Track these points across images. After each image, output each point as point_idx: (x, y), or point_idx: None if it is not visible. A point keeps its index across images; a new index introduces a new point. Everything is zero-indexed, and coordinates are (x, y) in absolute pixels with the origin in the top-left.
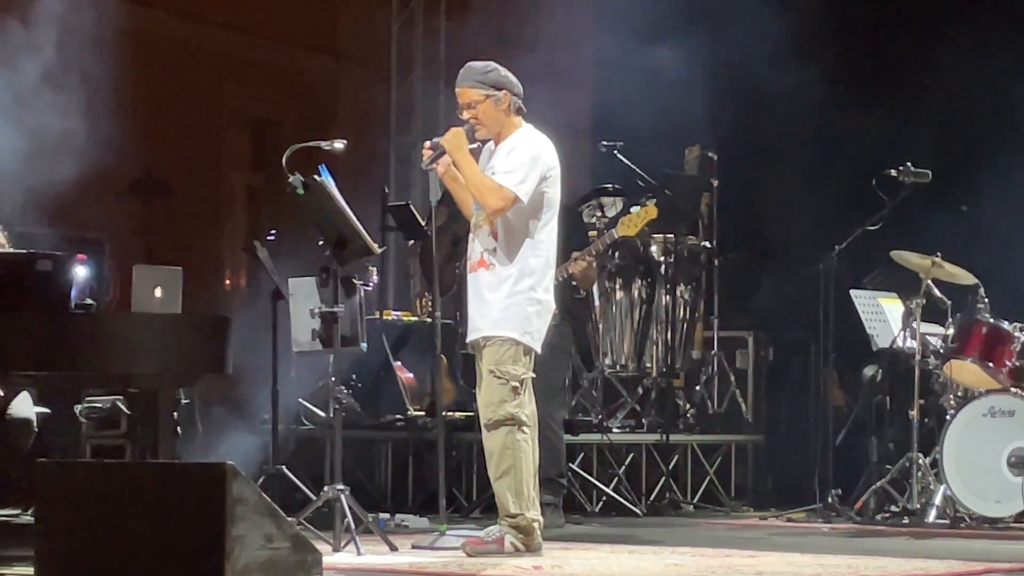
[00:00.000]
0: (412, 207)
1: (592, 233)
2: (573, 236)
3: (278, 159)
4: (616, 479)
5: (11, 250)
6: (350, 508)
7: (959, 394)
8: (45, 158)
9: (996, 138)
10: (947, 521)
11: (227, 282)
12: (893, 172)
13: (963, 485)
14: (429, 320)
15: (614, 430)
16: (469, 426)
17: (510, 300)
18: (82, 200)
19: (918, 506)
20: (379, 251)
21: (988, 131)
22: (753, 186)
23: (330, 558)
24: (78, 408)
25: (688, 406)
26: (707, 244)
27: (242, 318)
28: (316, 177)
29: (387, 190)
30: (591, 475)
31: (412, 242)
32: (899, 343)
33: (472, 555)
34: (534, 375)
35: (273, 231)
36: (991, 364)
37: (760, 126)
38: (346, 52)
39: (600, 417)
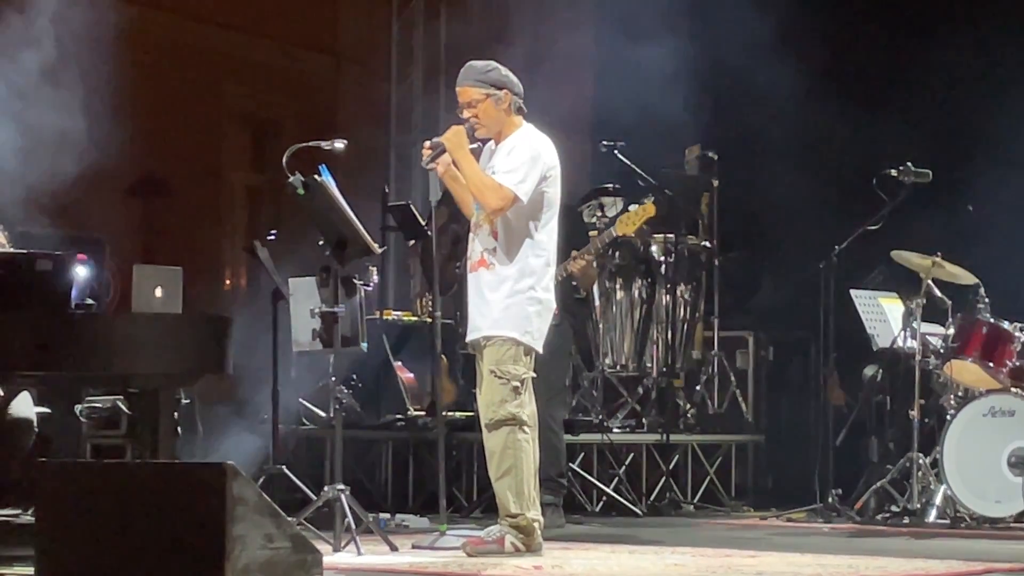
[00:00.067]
0: (412, 207)
1: (592, 233)
2: (573, 236)
3: (278, 159)
4: (616, 479)
5: (11, 250)
6: (350, 508)
7: (959, 394)
8: (45, 158)
9: (996, 138)
10: (947, 521)
11: (227, 282)
12: (893, 172)
13: (963, 485)
14: (429, 320)
15: (614, 430)
16: (469, 426)
17: (510, 300)
18: (82, 200)
19: (918, 506)
20: (379, 251)
21: (988, 131)
22: (753, 186)
23: (330, 558)
24: (78, 408)
25: (688, 406)
26: (707, 244)
27: (242, 318)
28: (316, 177)
29: (387, 190)
30: (591, 475)
31: (412, 242)
32: (899, 343)
33: (472, 555)
34: (534, 375)
35: (273, 231)
36: (991, 364)
37: (761, 126)
38: (346, 52)
39: (600, 417)
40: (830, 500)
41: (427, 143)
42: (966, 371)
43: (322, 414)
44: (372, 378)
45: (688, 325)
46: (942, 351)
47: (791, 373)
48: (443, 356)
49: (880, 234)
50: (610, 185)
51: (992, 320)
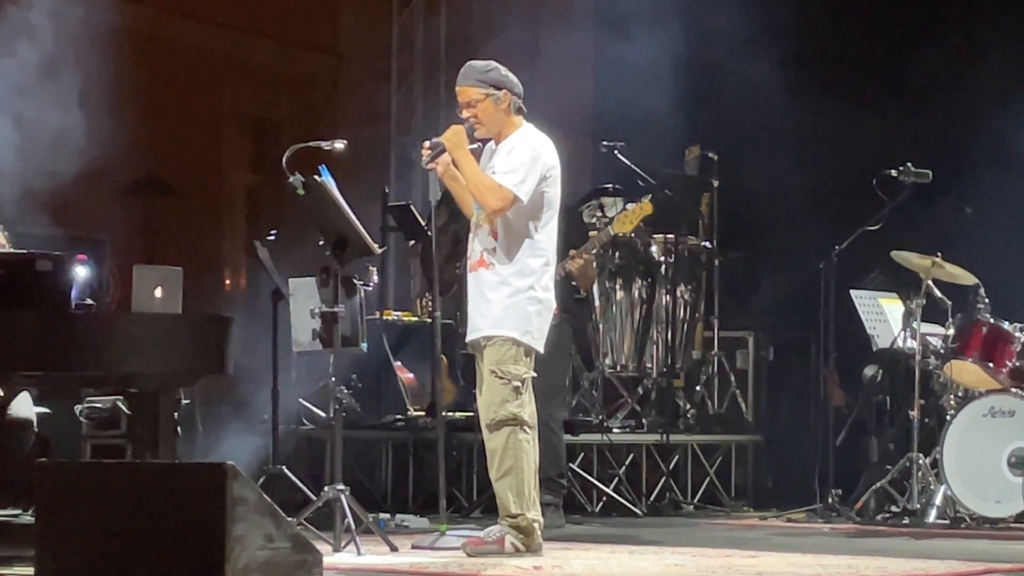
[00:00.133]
0: (412, 207)
1: (592, 233)
2: (573, 236)
3: (278, 159)
4: (616, 479)
5: (11, 250)
6: (350, 508)
7: (959, 394)
8: (46, 158)
9: (996, 138)
10: (947, 521)
11: (227, 282)
12: (893, 172)
13: (963, 485)
14: (429, 320)
15: (614, 430)
16: (469, 426)
17: (510, 300)
18: (82, 200)
19: (918, 506)
20: (379, 251)
21: (988, 131)
22: (753, 186)
23: (330, 558)
24: (78, 408)
25: (688, 406)
26: (707, 244)
27: (242, 318)
28: (316, 177)
29: (387, 190)
30: (591, 475)
31: (412, 242)
32: (899, 343)
33: (472, 555)
34: (535, 375)
35: (273, 231)
36: (991, 364)
37: (761, 126)
38: (346, 52)
39: (600, 417)
40: (830, 500)
41: (427, 143)
42: (966, 371)
43: (322, 414)
44: (372, 378)
45: (688, 325)
46: (942, 351)
47: (791, 373)
48: (443, 356)
49: (880, 234)
50: (610, 185)
51: (992, 320)
